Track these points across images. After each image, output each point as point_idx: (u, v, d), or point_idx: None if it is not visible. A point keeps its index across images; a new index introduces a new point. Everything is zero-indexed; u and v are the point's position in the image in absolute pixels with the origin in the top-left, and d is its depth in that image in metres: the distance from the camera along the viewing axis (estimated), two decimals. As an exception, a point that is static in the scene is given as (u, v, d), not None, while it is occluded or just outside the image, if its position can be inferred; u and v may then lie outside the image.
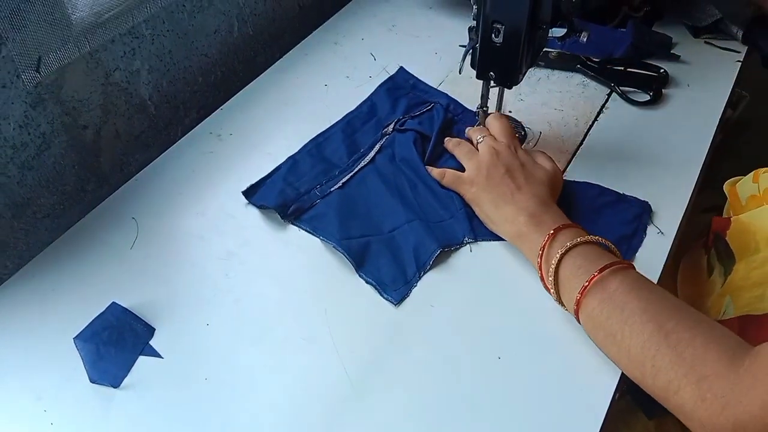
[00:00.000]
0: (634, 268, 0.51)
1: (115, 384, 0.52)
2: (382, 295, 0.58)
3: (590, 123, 0.75)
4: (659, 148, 0.71)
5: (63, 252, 0.62)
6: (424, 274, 0.59)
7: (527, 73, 0.66)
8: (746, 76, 0.84)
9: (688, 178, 0.68)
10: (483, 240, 0.61)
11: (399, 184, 0.67)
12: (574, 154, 0.71)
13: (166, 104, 0.77)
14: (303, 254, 0.62)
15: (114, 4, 0.65)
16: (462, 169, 0.65)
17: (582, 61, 0.81)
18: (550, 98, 0.78)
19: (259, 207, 0.65)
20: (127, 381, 0.53)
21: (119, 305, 0.57)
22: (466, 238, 0.61)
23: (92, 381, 0.53)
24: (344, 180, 0.67)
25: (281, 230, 0.64)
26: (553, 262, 0.52)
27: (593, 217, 0.62)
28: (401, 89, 0.78)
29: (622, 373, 0.52)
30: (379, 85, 0.78)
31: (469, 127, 0.69)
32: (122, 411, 0.51)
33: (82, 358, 0.54)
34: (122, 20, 0.67)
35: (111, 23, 0.65)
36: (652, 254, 0.55)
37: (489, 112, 0.71)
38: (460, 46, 0.81)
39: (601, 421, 0.49)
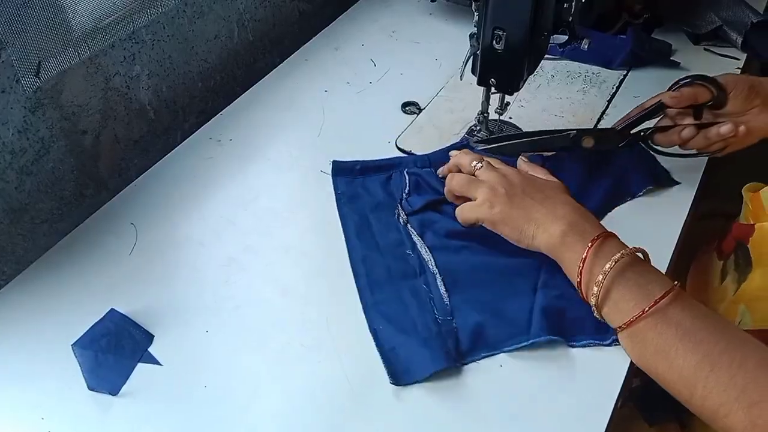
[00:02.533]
0: (680, 287, 0.51)
1: (114, 392, 0.52)
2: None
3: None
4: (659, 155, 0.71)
5: (61, 257, 0.62)
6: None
7: (527, 79, 0.66)
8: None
9: (689, 183, 0.68)
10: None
11: (478, 252, 0.61)
12: (575, 160, 0.71)
13: (165, 109, 0.77)
14: (305, 261, 0.62)
15: (114, 9, 0.65)
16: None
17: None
18: (550, 104, 0.78)
19: (429, 377, 0.52)
20: (126, 388, 0.52)
21: (118, 312, 0.57)
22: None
23: (90, 388, 0.52)
24: (443, 288, 0.58)
25: (282, 236, 0.64)
26: (600, 277, 0.50)
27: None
28: (356, 179, 0.69)
29: (625, 381, 0.52)
30: (335, 189, 0.68)
31: (453, 153, 0.64)
32: (120, 419, 0.50)
33: (80, 365, 0.53)
34: (122, 25, 0.66)
35: (111, 28, 0.65)
36: (655, 261, 0.54)
37: (490, 118, 0.71)
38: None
39: (604, 429, 0.49)
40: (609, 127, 0.68)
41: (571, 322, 0.54)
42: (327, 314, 0.57)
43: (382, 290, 0.58)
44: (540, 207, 0.56)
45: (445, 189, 0.63)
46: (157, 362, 0.54)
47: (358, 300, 0.58)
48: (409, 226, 0.63)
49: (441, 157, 0.69)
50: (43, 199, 0.65)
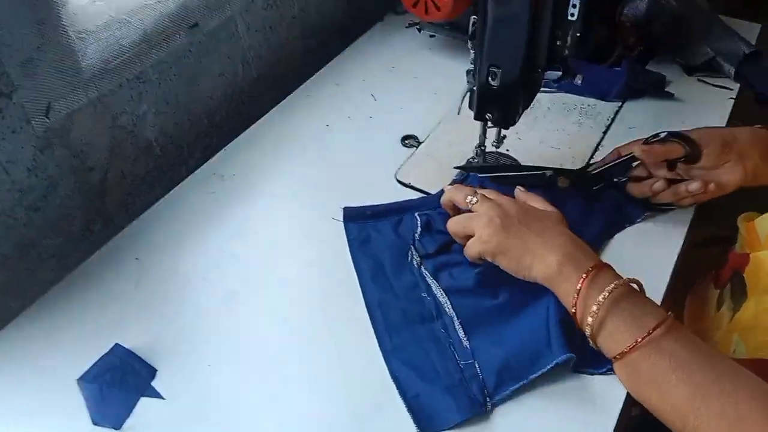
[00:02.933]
0: (674, 319, 0.51)
1: (117, 426, 0.53)
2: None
3: (587, 161, 0.76)
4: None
5: (67, 293, 0.63)
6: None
7: (523, 113, 0.67)
8: (739, 112, 0.86)
9: (683, 213, 0.69)
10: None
11: (493, 294, 0.60)
12: (572, 191, 0.72)
13: (171, 145, 0.79)
14: (306, 295, 0.62)
15: (123, 50, 0.67)
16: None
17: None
18: (546, 137, 0.80)
19: (453, 427, 0.52)
20: (129, 423, 0.53)
21: (122, 346, 0.57)
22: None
23: (95, 423, 0.53)
24: (462, 332, 0.58)
25: (284, 271, 0.65)
26: (595, 308, 0.51)
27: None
28: (367, 224, 0.69)
29: (622, 410, 0.52)
30: (347, 235, 0.68)
31: (447, 188, 0.65)
32: (124, 454, 0.51)
33: (85, 400, 0.54)
34: (130, 66, 0.69)
35: (119, 69, 0.67)
36: (650, 292, 0.55)
37: (487, 151, 0.72)
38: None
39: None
40: (585, 169, 0.71)
41: (579, 349, 0.55)
42: (329, 349, 0.58)
43: (399, 335, 0.58)
44: (536, 237, 0.57)
45: (448, 227, 0.63)
46: (159, 396, 0.55)
47: (363, 334, 0.58)
48: (423, 268, 0.64)
49: None
50: (50, 235, 0.67)
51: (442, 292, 0.61)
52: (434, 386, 0.54)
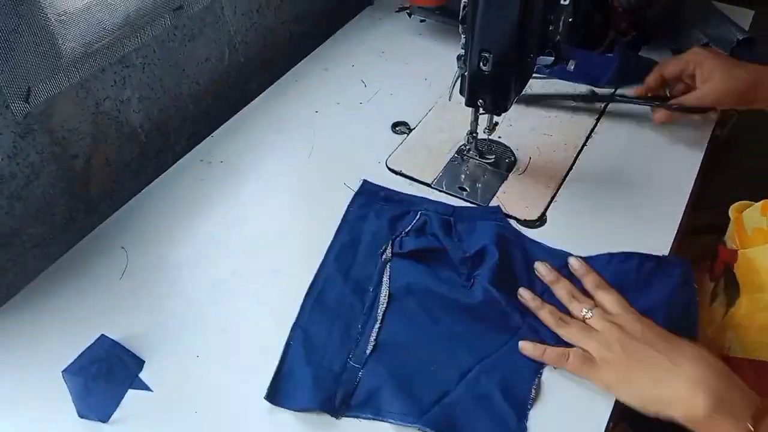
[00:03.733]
0: None
1: (104, 419, 0.52)
2: None
3: (579, 148, 0.75)
4: (648, 171, 0.72)
5: (52, 283, 0.62)
6: (528, 412, 0.51)
7: (515, 99, 0.66)
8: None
9: (678, 200, 0.68)
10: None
11: (437, 319, 0.57)
12: (564, 178, 0.72)
13: (156, 132, 0.77)
14: (294, 283, 0.61)
15: (104, 34, 0.65)
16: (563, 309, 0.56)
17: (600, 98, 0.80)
18: (539, 123, 0.79)
19: (300, 410, 0.52)
20: (116, 415, 0.52)
21: (108, 338, 0.56)
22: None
23: (81, 416, 0.52)
24: (374, 337, 0.56)
25: (272, 259, 0.64)
26: None
27: (646, 290, 0.58)
28: (374, 204, 0.68)
29: (616, 402, 0.52)
30: (349, 204, 0.68)
31: (547, 273, 0.59)
32: (110, 447, 0.50)
33: (71, 392, 0.53)
34: (113, 50, 0.67)
35: (101, 53, 0.66)
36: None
37: (479, 137, 0.71)
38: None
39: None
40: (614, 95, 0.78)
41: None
42: (318, 337, 0.57)
43: (320, 313, 0.58)
44: (672, 368, 0.48)
45: (558, 331, 0.55)
46: (147, 388, 0.54)
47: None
48: (388, 266, 0.61)
49: (468, 216, 0.66)
50: (33, 224, 0.65)
51: (387, 294, 0.59)
52: (309, 369, 0.53)
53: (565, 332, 0.54)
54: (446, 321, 0.57)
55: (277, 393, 0.52)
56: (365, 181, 0.70)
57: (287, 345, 0.55)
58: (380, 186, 0.70)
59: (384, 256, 0.62)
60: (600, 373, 0.51)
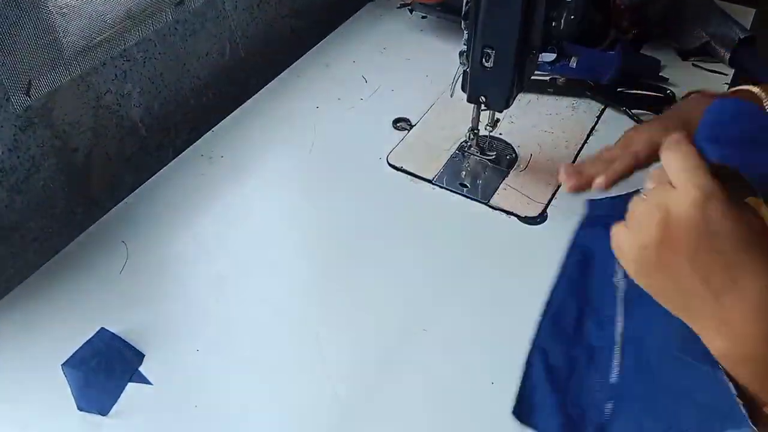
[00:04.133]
0: None
1: (104, 412, 0.52)
2: None
3: (580, 145, 0.75)
4: (650, 169, 0.72)
5: (51, 277, 0.62)
6: None
7: (517, 95, 0.66)
8: (733, 97, 0.85)
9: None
10: None
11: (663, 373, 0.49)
12: (565, 176, 0.71)
13: (157, 126, 0.77)
14: (295, 279, 0.61)
15: (106, 27, 0.65)
16: None
17: (590, 87, 0.82)
18: (540, 120, 0.79)
19: None
20: (116, 409, 0.52)
21: (108, 331, 0.56)
22: None
23: (80, 409, 0.52)
24: (615, 373, 0.51)
25: (270, 252, 0.64)
26: None
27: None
28: (614, 206, 0.54)
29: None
30: (581, 227, 0.60)
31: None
32: (110, 440, 0.50)
33: (70, 386, 0.53)
34: (114, 44, 0.67)
35: (102, 47, 0.65)
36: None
37: (480, 134, 0.71)
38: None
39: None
40: None
41: None
42: (317, 332, 0.57)
43: (558, 335, 0.54)
44: (732, 284, 0.37)
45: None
46: (147, 382, 0.54)
47: (349, 318, 0.58)
48: (618, 290, 0.55)
49: None
50: (33, 218, 0.65)
51: (621, 332, 0.53)
52: (554, 395, 0.51)
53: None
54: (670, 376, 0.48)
55: (525, 413, 0.50)
56: (587, 202, 0.59)
57: (528, 362, 0.53)
58: (603, 201, 0.58)
59: (618, 286, 0.56)
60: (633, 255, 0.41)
